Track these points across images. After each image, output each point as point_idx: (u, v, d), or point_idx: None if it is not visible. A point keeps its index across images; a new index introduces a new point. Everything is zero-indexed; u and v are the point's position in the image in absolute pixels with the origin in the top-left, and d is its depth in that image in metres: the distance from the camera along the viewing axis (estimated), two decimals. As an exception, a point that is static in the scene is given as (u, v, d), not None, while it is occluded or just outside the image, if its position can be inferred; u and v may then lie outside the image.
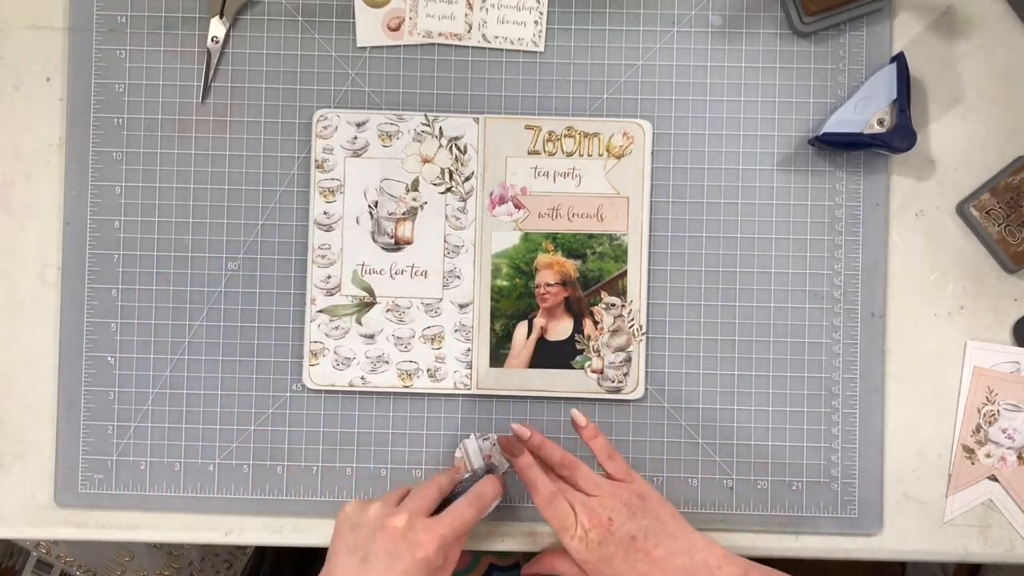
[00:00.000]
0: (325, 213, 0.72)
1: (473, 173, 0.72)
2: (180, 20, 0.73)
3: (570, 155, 0.72)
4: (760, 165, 0.72)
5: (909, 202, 0.73)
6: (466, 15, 0.72)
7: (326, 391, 0.72)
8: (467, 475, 0.67)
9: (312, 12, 0.73)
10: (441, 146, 0.72)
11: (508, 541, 0.72)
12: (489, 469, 0.68)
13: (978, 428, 0.72)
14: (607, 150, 0.72)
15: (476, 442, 0.69)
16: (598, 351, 0.71)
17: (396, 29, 0.72)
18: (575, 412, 0.65)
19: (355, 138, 0.72)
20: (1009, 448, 0.72)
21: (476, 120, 0.72)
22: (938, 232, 0.73)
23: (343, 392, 0.72)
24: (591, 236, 0.72)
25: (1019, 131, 0.73)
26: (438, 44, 0.73)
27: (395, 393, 0.72)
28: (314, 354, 0.72)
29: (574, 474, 0.64)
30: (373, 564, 0.58)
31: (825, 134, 0.69)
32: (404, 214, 0.72)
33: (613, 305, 0.72)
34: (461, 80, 0.73)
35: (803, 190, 0.72)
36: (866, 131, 0.69)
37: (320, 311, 0.72)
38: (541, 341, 0.72)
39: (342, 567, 0.59)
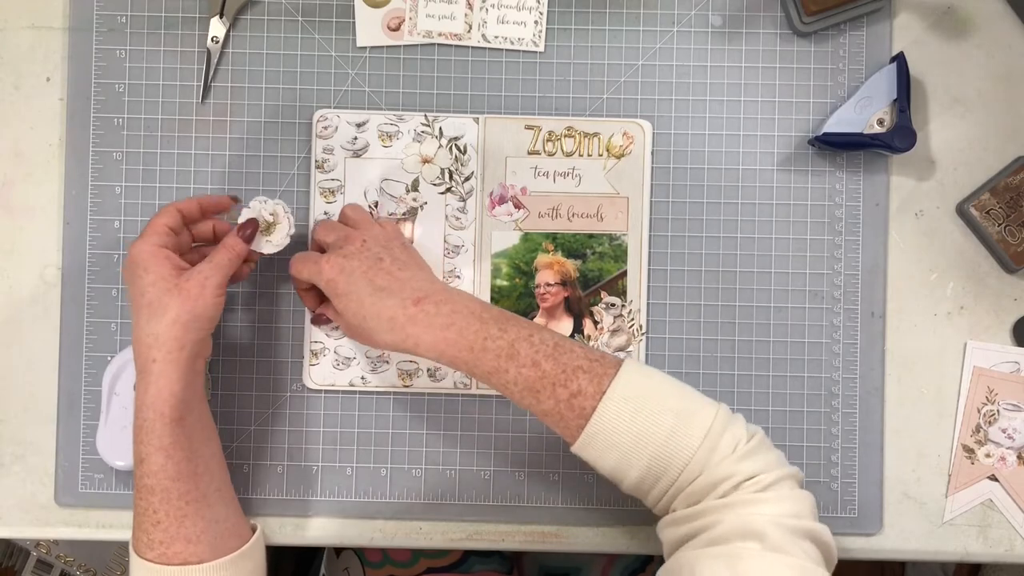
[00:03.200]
0: (326, 214, 0.72)
1: (473, 173, 0.72)
2: (180, 20, 0.73)
3: (570, 155, 0.72)
4: (760, 165, 0.72)
5: (909, 202, 0.73)
6: (466, 15, 0.72)
7: (326, 391, 0.72)
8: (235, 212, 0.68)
9: (312, 12, 0.73)
10: (441, 146, 0.72)
11: (508, 540, 0.72)
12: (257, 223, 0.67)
13: (978, 428, 0.72)
14: (607, 150, 0.72)
15: (260, 204, 0.67)
16: (598, 351, 0.71)
17: (396, 29, 0.72)
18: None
19: (355, 138, 0.72)
20: (1009, 448, 0.72)
21: (476, 120, 0.72)
22: (938, 232, 0.73)
23: (343, 392, 0.72)
24: (591, 236, 0.72)
25: (1019, 131, 0.73)
26: (438, 44, 0.73)
27: (395, 393, 0.72)
28: (314, 354, 0.72)
29: (321, 236, 0.67)
30: (130, 298, 0.63)
31: (825, 134, 0.70)
32: (404, 214, 0.72)
33: (613, 305, 0.72)
34: (461, 80, 0.73)
35: (803, 190, 0.72)
36: (866, 131, 0.69)
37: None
38: (541, 341, 0.72)
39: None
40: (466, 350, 0.59)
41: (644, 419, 0.56)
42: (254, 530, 0.67)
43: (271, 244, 0.68)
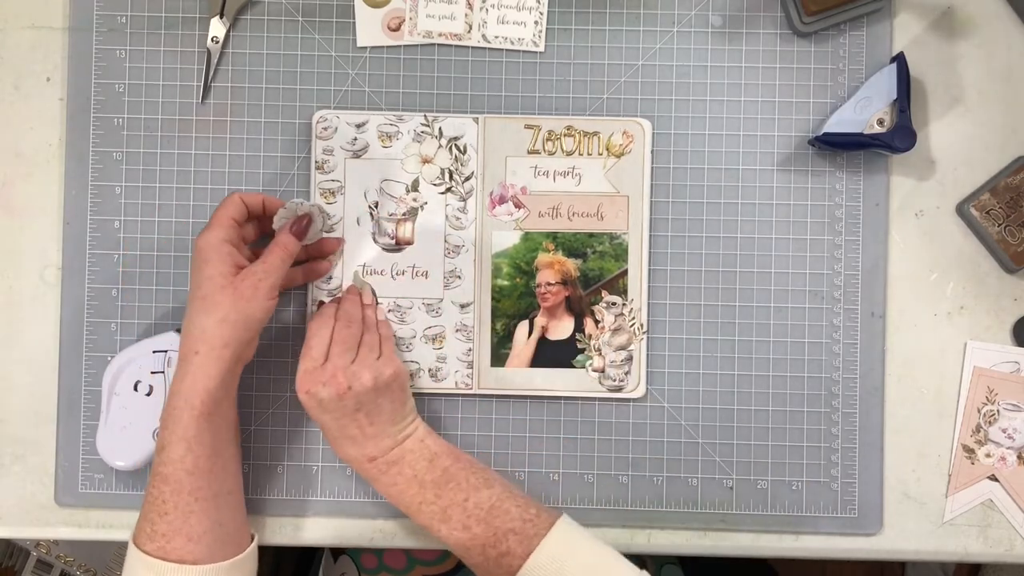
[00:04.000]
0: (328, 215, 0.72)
1: (473, 173, 0.72)
2: (180, 20, 0.73)
3: (570, 154, 0.72)
4: (760, 165, 0.72)
5: (909, 202, 0.73)
6: (466, 15, 0.72)
7: (326, 391, 0.72)
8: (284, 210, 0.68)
9: (312, 12, 0.73)
10: (441, 146, 0.72)
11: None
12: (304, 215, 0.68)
13: (978, 428, 0.72)
14: (607, 149, 0.72)
15: (295, 204, 0.69)
16: (599, 350, 0.71)
17: (396, 29, 0.72)
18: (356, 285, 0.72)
19: (355, 139, 0.72)
20: (1009, 448, 0.72)
21: (476, 120, 0.72)
22: (938, 232, 0.73)
23: (343, 392, 0.72)
24: (591, 235, 0.72)
25: (1019, 131, 0.73)
26: (438, 44, 0.73)
27: (395, 393, 0.72)
28: (314, 354, 0.72)
29: (367, 331, 0.67)
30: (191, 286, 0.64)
31: (825, 134, 0.70)
32: (404, 215, 0.72)
33: (614, 304, 0.72)
34: (461, 80, 0.73)
35: (803, 190, 0.72)
36: (866, 131, 0.69)
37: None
38: (542, 340, 0.72)
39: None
40: (404, 508, 0.65)
41: None
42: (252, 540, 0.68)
43: (304, 238, 0.69)
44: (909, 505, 0.72)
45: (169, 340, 0.70)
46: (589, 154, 0.72)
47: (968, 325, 0.73)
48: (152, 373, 0.69)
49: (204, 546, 0.62)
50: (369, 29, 0.72)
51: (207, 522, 0.62)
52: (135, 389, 0.69)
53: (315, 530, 0.72)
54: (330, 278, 0.72)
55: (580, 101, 0.72)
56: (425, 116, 0.72)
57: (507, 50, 0.72)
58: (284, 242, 0.66)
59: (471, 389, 0.72)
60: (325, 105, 0.72)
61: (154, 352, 0.69)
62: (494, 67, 0.73)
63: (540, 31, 0.72)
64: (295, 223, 0.67)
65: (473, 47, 0.73)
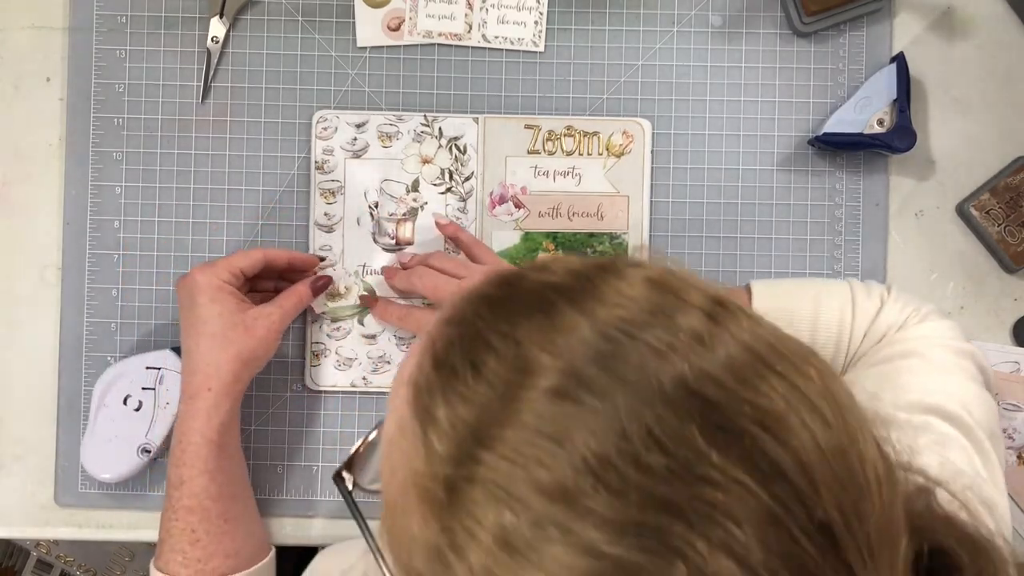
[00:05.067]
0: (326, 214, 0.72)
1: (473, 173, 0.72)
2: (180, 20, 0.73)
3: (570, 154, 0.72)
4: (760, 165, 0.72)
5: (909, 202, 0.73)
6: (466, 15, 0.72)
7: (326, 391, 0.72)
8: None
9: (312, 12, 0.73)
10: (441, 146, 0.72)
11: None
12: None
13: (978, 428, 0.72)
14: (607, 149, 0.72)
15: (339, 271, 0.71)
16: (598, 351, 0.71)
17: (396, 29, 0.72)
18: (436, 215, 0.71)
19: (355, 139, 0.72)
20: (1009, 448, 0.72)
21: (476, 120, 0.72)
22: (938, 232, 0.73)
23: (343, 392, 0.72)
24: (591, 235, 0.72)
25: (1019, 131, 0.73)
26: (438, 44, 0.73)
27: (395, 393, 0.72)
28: (316, 355, 0.72)
29: (442, 263, 0.67)
30: (183, 318, 0.65)
31: (825, 134, 0.70)
32: (404, 215, 0.72)
33: (613, 305, 0.72)
34: (461, 80, 0.73)
35: (803, 190, 0.72)
36: (866, 131, 0.69)
37: (322, 312, 0.72)
38: (541, 341, 0.72)
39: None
40: None
41: (793, 322, 0.59)
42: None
43: (328, 310, 0.71)
44: (909, 505, 0.72)
45: (163, 358, 0.69)
46: (589, 154, 0.72)
47: (968, 325, 0.73)
48: (143, 389, 0.69)
49: (242, 558, 0.64)
50: (369, 29, 0.72)
51: (240, 537, 0.64)
52: (124, 403, 0.69)
53: (315, 530, 0.72)
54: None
55: (580, 101, 0.72)
56: (425, 116, 0.72)
57: (507, 50, 0.72)
58: (301, 292, 0.67)
59: (471, 389, 0.72)
60: (325, 105, 0.72)
61: (147, 368, 0.69)
62: (494, 67, 0.73)
63: (540, 31, 0.72)
64: (316, 279, 0.68)
65: (473, 47, 0.73)
